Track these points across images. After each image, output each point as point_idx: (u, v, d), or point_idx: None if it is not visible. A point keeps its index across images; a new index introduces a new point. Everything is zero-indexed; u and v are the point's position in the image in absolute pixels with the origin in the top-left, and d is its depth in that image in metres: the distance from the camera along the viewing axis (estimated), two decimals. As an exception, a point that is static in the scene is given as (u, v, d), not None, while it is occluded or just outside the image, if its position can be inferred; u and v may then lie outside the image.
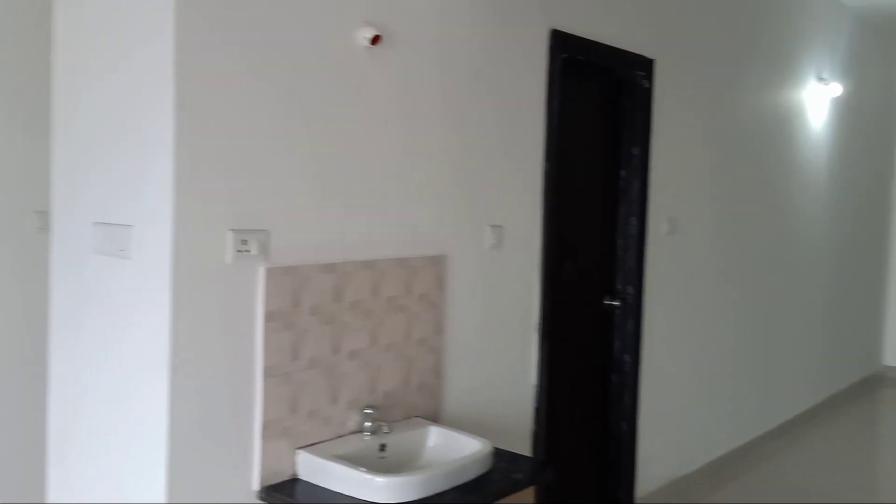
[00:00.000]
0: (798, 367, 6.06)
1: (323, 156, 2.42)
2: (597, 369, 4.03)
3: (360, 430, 2.49)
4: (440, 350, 2.86)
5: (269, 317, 2.25)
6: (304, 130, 2.35)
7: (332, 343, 2.45)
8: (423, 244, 2.79)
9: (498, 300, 3.18)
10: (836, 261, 6.65)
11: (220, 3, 2.12)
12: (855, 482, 5.06)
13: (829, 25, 6.20)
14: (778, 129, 5.50)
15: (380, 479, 2.16)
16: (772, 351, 5.63)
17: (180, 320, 2.07)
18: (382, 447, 2.46)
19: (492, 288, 3.14)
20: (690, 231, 4.50)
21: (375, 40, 2.48)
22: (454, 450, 2.47)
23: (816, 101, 5.99)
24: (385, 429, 2.48)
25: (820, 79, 5.96)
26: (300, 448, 2.34)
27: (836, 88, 6.14)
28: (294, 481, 2.31)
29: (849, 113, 6.56)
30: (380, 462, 2.40)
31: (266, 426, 2.26)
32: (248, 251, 2.20)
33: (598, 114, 3.96)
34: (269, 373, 2.26)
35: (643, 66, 3.99)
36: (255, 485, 2.25)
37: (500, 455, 2.51)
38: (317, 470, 2.28)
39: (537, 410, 3.39)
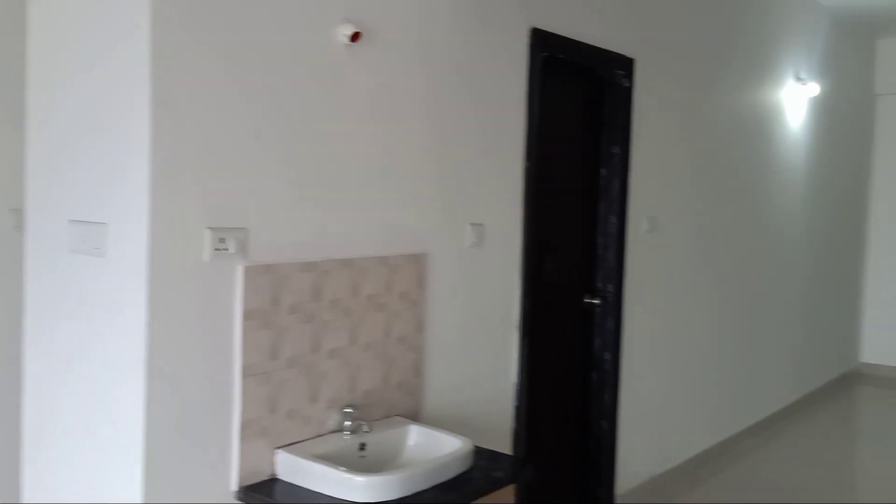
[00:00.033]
0: (776, 365, 6.11)
1: (302, 153, 2.40)
2: (577, 367, 4.04)
3: (340, 430, 2.48)
4: (420, 349, 2.85)
5: (248, 315, 2.24)
6: (283, 128, 2.34)
7: (312, 342, 2.43)
8: (403, 242, 2.79)
9: (478, 298, 3.18)
10: (815, 259, 6.72)
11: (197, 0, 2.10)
12: (833, 478, 5.11)
13: (807, 25, 6.26)
14: (756, 128, 5.54)
15: (359, 479, 2.15)
16: (751, 348, 5.67)
17: (157, 319, 2.05)
18: (362, 446, 2.45)
19: (472, 286, 3.14)
20: (670, 230, 4.53)
21: (355, 37, 2.47)
22: (434, 448, 2.46)
23: (794, 100, 6.04)
24: (365, 428, 2.47)
25: (798, 78, 6.01)
26: (279, 448, 2.32)
27: (813, 88, 6.20)
28: (273, 481, 2.30)
29: (826, 113, 6.62)
30: (360, 461, 2.39)
31: (245, 426, 2.24)
32: (226, 249, 2.19)
33: (578, 112, 3.97)
34: (247, 372, 2.24)
35: (623, 65, 4.00)
36: (234, 485, 2.24)
37: (480, 453, 2.51)
38: (296, 470, 2.27)
39: (517, 409, 3.40)
